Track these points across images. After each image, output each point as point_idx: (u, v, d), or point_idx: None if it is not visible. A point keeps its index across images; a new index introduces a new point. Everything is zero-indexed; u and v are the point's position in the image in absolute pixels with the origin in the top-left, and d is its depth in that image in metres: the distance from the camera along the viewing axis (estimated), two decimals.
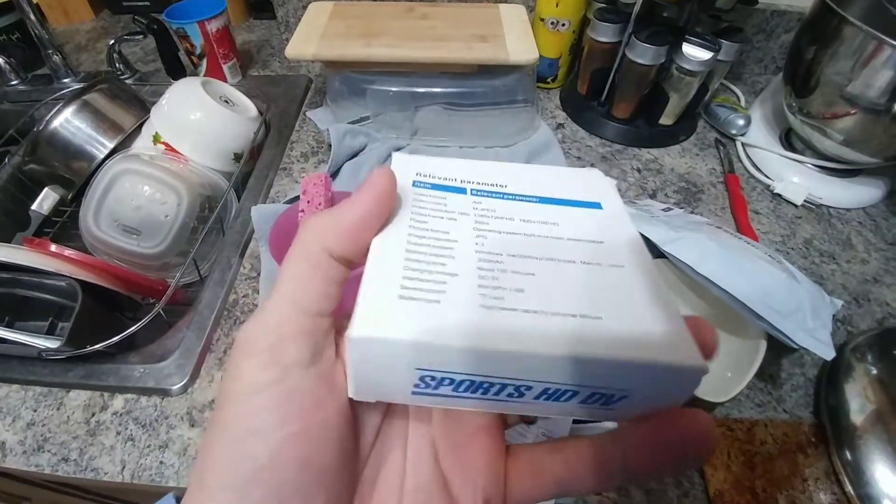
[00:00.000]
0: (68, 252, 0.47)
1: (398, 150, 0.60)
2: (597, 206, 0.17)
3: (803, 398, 0.43)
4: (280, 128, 0.65)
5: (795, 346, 0.37)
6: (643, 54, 0.55)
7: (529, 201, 0.17)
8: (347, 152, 0.58)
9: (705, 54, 0.55)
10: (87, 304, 0.45)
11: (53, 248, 0.47)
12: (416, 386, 0.13)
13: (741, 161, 0.61)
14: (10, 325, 0.50)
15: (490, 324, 0.13)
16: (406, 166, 0.17)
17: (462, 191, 0.17)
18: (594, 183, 0.18)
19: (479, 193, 0.17)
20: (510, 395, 0.13)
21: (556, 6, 0.62)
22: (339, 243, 0.15)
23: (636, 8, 0.56)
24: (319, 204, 0.34)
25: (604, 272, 0.15)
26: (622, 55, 0.58)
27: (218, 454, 0.13)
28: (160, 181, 0.53)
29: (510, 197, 0.17)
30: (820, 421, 0.41)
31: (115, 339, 0.42)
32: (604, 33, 0.59)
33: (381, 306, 0.13)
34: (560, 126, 0.64)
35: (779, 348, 0.43)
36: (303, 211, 0.34)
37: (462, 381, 0.13)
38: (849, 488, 0.38)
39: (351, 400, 0.14)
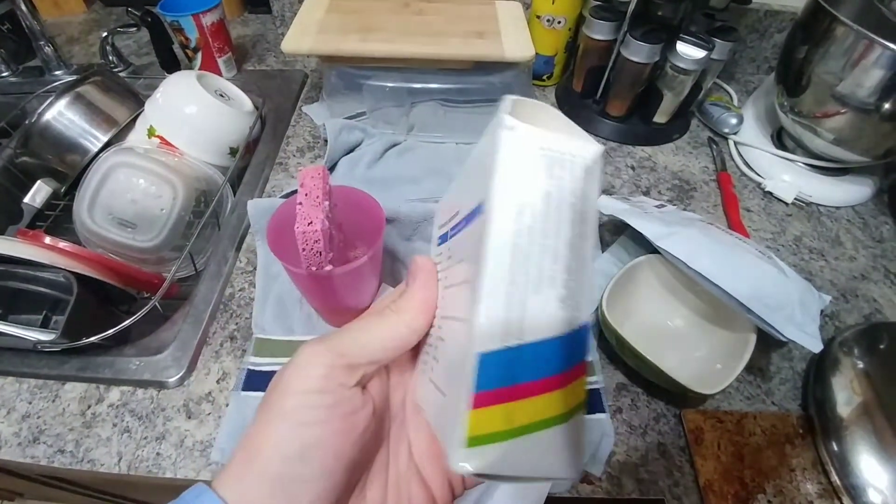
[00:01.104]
0: (63, 244, 0.47)
1: (395, 145, 0.61)
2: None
3: (791, 391, 0.44)
4: (275, 123, 0.65)
5: (784, 340, 0.38)
6: (638, 52, 0.56)
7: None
8: (344, 147, 0.58)
9: (699, 53, 0.55)
10: (83, 297, 0.45)
11: (48, 240, 0.47)
12: None
13: (733, 159, 0.62)
14: (3, 318, 0.50)
15: None
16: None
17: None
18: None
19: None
20: None
21: (553, 3, 0.62)
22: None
23: (631, 6, 0.57)
24: (318, 197, 0.34)
25: None
26: (617, 53, 0.58)
27: (274, 431, 0.17)
28: (155, 174, 0.53)
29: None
30: (808, 413, 0.42)
31: (111, 331, 0.42)
32: (599, 31, 0.59)
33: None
34: None
35: (768, 342, 0.44)
36: (301, 203, 0.34)
37: None
38: (835, 478, 0.39)
39: (373, 414, 0.19)
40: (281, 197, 0.54)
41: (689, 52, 0.56)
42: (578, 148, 0.16)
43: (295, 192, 0.54)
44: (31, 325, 0.49)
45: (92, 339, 0.42)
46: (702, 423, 0.41)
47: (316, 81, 0.71)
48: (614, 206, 0.44)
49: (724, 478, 0.39)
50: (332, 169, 0.57)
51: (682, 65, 0.56)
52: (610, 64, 0.60)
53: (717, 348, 0.42)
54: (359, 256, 0.37)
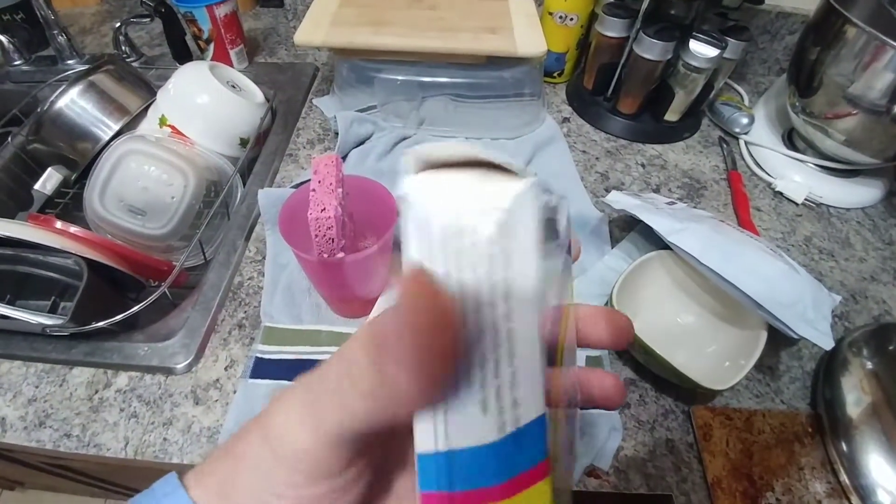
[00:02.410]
0: (73, 229, 0.47)
1: (404, 139, 0.61)
2: None
3: (801, 390, 0.43)
4: (286, 115, 0.65)
5: (795, 337, 0.38)
6: (650, 49, 0.56)
7: None
8: (354, 139, 0.59)
9: (712, 51, 0.55)
10: (92, 283, 0.45)
11: (59, 224, 0.47)
12: None
13: (744, 159, 0.62)
14: (11, 303, 0.50)
15: None
16: None
17: None
18: None
19: None
20: None
21: (565, 0, 0.62)
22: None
23: (644, 4, 0.57)
24: (331, 184, 0.34)
25: None
26: (629, 50, 0.58)
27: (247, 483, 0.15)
28: (167, 163, 0.53)
29: None
30: (817, 412, 0.42)
31: (119, 316, 0.43)
32: (612, 28, 0.59)
33: None
34: (566, 120, 0.64)
35: (778, 341, 0.44)
36: (314, 190, 0.34)
37: None
38: (844, 478, 0.38)
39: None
40: (291, 187, 0.54)
41: (701, 50, 0.56)
42: (492, 196, 0.12)
43: (306, 182, 0.54)
44: (39, 310, 0.49)
45: (100, 323, 0.42)
46: (710, 419, 0.40)
47: (327, 74, 0.71)
48: (625, 202, 0.44)
49: (732, 475, 0.38)
50: (342, 160, 0.57)
51: (694, 63, 0.56)
52: (622, 61, 0.60)
53: (727, 345, 0.42)
54: (369, 246, 0.37)
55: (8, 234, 0.45)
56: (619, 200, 0.44)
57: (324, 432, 0.14)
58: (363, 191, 0.40)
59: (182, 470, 0.17)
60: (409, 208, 0.12)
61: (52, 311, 0.54)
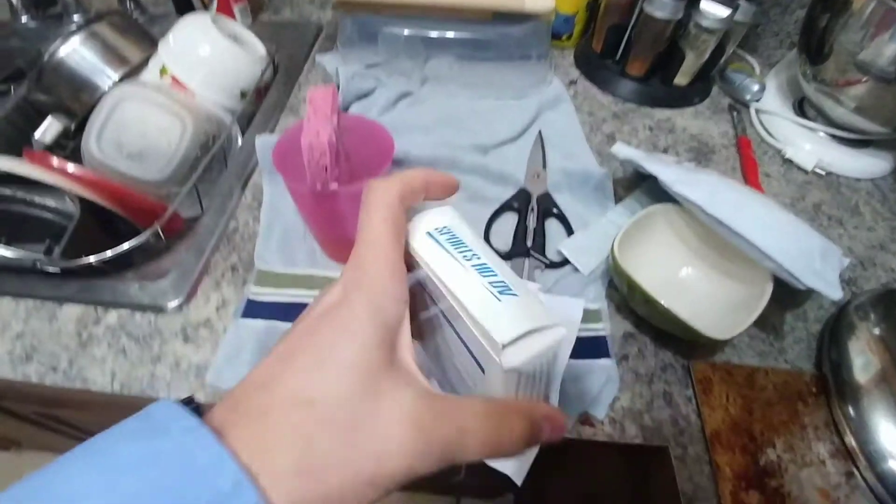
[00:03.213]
0: (70, 167, 0.46)
1: (407, 95, 0.60)
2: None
3: (805, 351, 0.42)
4: (288, 70, 0.64)
5: (803, 287, 0.36)
6: (661, 8, 0.55)
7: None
8: (356, 93, 0.58)
9: (723, 11, 0.54)
10: (86, 220, 0.44)
11: (55, 162, 0.46)
12: None
13: (753, 127, 0.60)
14: (7, 244, 0.50)
15: None
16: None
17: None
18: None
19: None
20: None
21: None
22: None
23: None
24: (326, 113, 0.33)
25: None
26: (639, 10, 0.57)
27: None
28: (165, 109, 0.52)
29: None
30: (822, 373, 0.41)
31: (111, 252, 0.42)
32: None
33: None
34: (573, 83, 0.63)
35: (783, 301, 0.43)
36: (309, 118, 0.33)
37: None
38: (850, 440, 0.37)
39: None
40: None
41: (713, 10, 0.54)
42: (547, 345, 0.18)
43: None
44: (35, 252, 0.49)
45: (91, 259, 0.42)
46: (710, 374, 0.39)
47: (331, 33, 0.70)
48: (630, 152, 0.43)
49: (731, 429, 0.37)
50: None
51: (705, 23, 0.54)
52: (632, 21, 0.58)
53: (730, 300, 0.41)
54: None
55: (4, 168, 0.44)
56: (624, 151, 0.43)
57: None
58: (362, 132, 0.40)
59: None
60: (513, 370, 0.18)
61: (48, 253, 0.54)
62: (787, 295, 0.40)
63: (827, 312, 0.44)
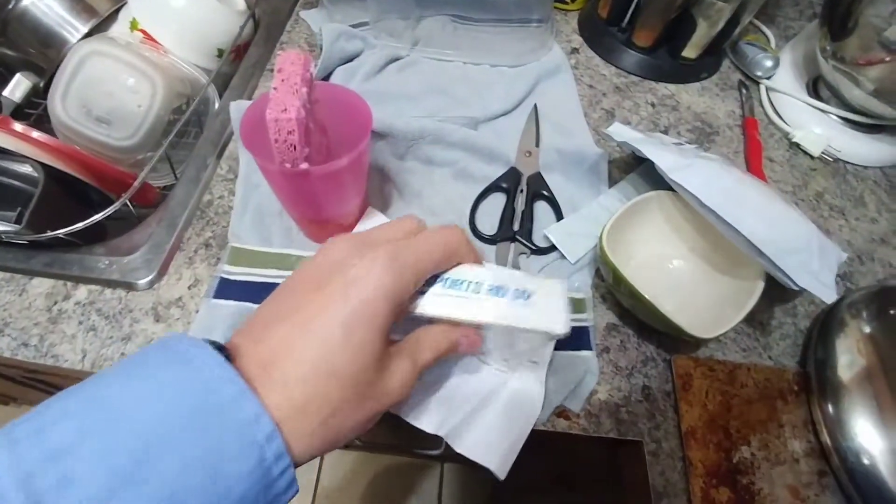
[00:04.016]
0: (34, 133, 0.44)
1: (396, 59, 0.56)
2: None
3: (791, 348, 0.41)
4: (269, 27, 0.60)
5: (796, 288, 0.35)
6: None
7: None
8: (340, 56, 0.54)
9: None
10: (51, 191, 0.42)
11: (18, 127, 0.43)
12: None
13: (762, 106, 0.57)
14: None
15: None
16: None
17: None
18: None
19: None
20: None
21: None
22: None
23: None
24: (295, 84, 0.31)
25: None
26: None
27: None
28: (134, 68, 0.49)
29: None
30: (805, 371, 0.40)
31: (79, 225, 0.40)
32: None
33: None
34: (574, 51, 0.59)
35: (772, 296, 0.42)
36: (275, 89, 0.30)
37: None
38: (825, 439, 0.37)
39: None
40: None
41: None
42: (566, 302, 0.28)
43: None
44: (4, 220, 0.47)
45: (58, 232, 0.40)
46: (692, 369, 0.39)
47: None
48: (627, 134, 0.40)
49: (707, 426, 0.37)
50: (325, 79, 0.53)
51: None
52: None
53: (719, 295, 0.40)
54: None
55: None
56: (621, 132, 0.40)
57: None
58: (339, 102, 0.37)
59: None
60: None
61: (17, 222, 0.52)
62: (777, 290, 0.38)
63: (817, 308, 0.43)
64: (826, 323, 0.41)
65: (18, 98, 0.61)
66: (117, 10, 0.56)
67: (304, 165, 0.31)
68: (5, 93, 0.60)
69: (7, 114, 0.61)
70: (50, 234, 0.39)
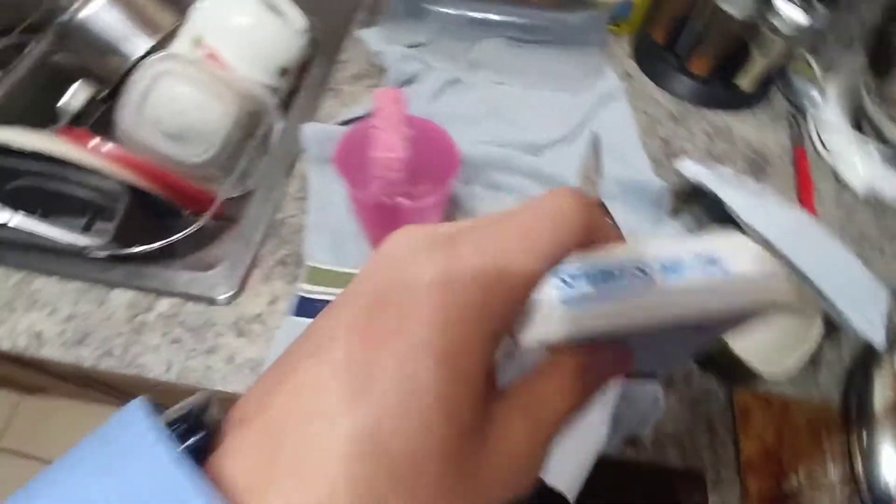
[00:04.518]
0: (110, 148, 0.45)
1: (454, 82, 0.57)
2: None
3: (836, 380, 0.43)
4: (328, 46, 0.61)
5: (852, 331, 0.37)
6: (736, 5, 0.51)
7: None
8: (401, 78, 0.55)
9: (800, 16, 0.50)
10: (133, 205, 0.44)
11: (95, 143, 0.45)
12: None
13: (810, 138, 0.58)
14: (43, 219, 0.49)
15: None
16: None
17: None
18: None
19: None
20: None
21: None
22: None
23: None
24: (397, 123, 0.32)
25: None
26: (711, 4, 0.53)
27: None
28: (205, 86, 0.50)
29: None
30: (847, 403, 0.42)
31: (163, 242, 0.42)
32: None
33: None
34: (628, 76, 0.60)
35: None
36: (378, 127, 0.32)
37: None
38: (858, 467, 0.39)
39: None
40: (338, 123, 0.51)
41: (790, 13, 0.51)
42: None
43: (354, 119, 0.51)
44: (73, 229, 0.48)
45: (145, 247, 0.42)
46: (751, 403, 0.40)
47: (371, 5, 0.66)
48: (700, 172, 0.42)
49: (763, 458, 0.39)
50: None
51: (781, 27, 0.51)
52: (699, 14, 0.55)
53: (778, 330, 0.41)
54: (423, 194, 0.35)
55: (42, 149, 0.43)
56: (692, 170, 0.42)
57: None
58: (424, 134, 0.38)
59: (226, 398, 0.11)
60: None
61: (87, 229, 0.54)
62: (826, 325, 0.40)
63: (861, 343, 0.45)
64: (865, 357, 0.43)
65: (76, 107, 0.62)
66: (177, 27, 0.57)
67: (403, 201, 0.33)
68: (63, 101, 0.61)
69: (64, 122, 0.62)
70: (139, 249, 0.41)
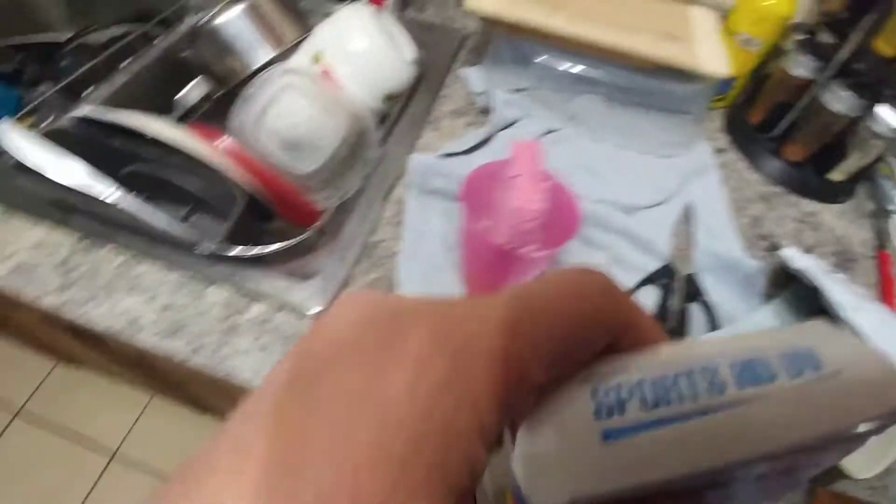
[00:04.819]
0: (238, 151, 0.47)
1: (550, 132, 0.58)
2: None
3: None
4: (430, 80, 0.63)
5: None
6: (839, 102, 0.52)
7: None
8: (502, 121, 0.57)
9: None
10: (247, 208, 0.45)
11: (225, 144, 0.47)
12: None
13: (892, 240, 0.58)
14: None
15: None
16: None
17: None
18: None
19: None
20: None
21: (753, 24, 0.58)
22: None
23: (844, 51, 0.52)
24: (537, 178, 0.33)
25: None
26: (814, 96, 0.54)
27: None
28: (321, 102, 0.52)
29: None
30: None
31: (276, 246, 0.43)
32: (799, 67, 0.55)
33: None
34: (720, 151, 0.61)
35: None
36: (520, 176, 0.33)
37: None
38: None
39: None
40: (441, 156, 0.53)
41: (891, 119, 0.51)
42: None
43: (455, 154, 0.53)
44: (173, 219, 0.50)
45: (257, 250, 0.43)
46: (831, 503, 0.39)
47: (474, 45, 0.69)
48: (802, 262, 0.42)
49: None
50: (484, 142, 0.56)
51: (880, 130, 0.52)
52: (801, 105, 0.56)
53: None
54: (535, 244, 0.35)
55: (176, 141, 0.45)
56: (798, 260, 0.42)
57: None
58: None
59: None
60: None
61: (185, 220, 0.56)
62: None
63: None
64: None
65: (193, 101, 0.65)
66: (298, 42, 0.61)
67: (532, 251, 0.34)
68: (182, 94, 0.65)
69: (178, 114, 0.65)
70: (252, 252, 0.42)
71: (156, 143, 0.46)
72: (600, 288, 0.11)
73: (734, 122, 0.63)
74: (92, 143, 0.48)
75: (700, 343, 0.11)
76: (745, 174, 0.59)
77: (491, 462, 0.10)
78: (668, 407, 0.10)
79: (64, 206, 0.47)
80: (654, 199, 0.53)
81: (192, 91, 0.62)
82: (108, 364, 0.88)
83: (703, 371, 0.10)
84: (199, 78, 0.62)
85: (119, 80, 0.60)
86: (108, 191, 0.44)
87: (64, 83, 0.58)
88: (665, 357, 0.11)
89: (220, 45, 0.60)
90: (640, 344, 0.11)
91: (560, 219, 0.38)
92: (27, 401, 1.02)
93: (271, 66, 0.56)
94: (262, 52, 0.60)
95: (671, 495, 0.10)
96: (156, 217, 0.45)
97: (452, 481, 0.08)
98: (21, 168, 0.47)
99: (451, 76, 0.64)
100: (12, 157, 0.46)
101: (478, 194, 0.36)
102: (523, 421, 0.11)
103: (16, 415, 1.01)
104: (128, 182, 0.48)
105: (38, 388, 1.04)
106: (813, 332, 0.11)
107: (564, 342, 0.10)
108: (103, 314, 0.43)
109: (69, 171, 0.46)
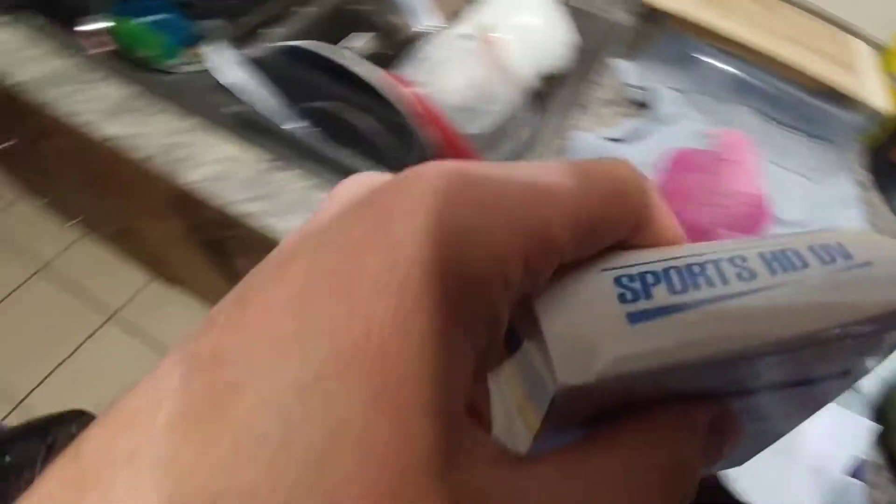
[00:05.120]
0: (428, 101, 0.50)
1: (700, 134, 0.60)
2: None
3: None
4: (582, 66, 0.65)
5: None
6: None
7: None
8: (660, 117, 0.58)
9: None
10: (424, 158, 0.48)
11: (418, 93, 0.50)
12: None
13: None
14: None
15: None
16: None
17: None
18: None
19: None
20: None
21: None
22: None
23: None
24: (751, 166, 0.35)
25: None
26: None
27: None
28: (494, 70, 0.55)
29: None
30: None
31: None
32: None
33: None
34: (860, 185, 0.61)
35: None
36: (739, 163, 0.34)
37: None
38: None
39: None
40: (605, 139, 0.55)
41: None
42: None
43: (617, 140, 0.55)
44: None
45: None
46: None
47: (633, 40, 0.69)
48: None
49: None
50: (641, 134, 0.57)
51: None
52: None
53: None
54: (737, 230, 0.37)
55: (377, 82, 0.48)
56: None
57: None
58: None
59: None
60: None
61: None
62: None
63: None
64: None
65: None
66: (468, 10, 0.63)
67: (722, 230, 0.35)
68: (346, 44, 0.68)
69: None
70: None
71: (349, 83, 0.50)
72: (631, 174, 0.10)
73: (876, 159, 0.62)
74: (287, 74, 0.52)
75: (723, 241, 0.11)
76: (884, 214, 0.59)
77: (499, 376, 0.11)
78: (697, 291, 0.10)
79: (258, 129, 0.51)
80: (798, 218, 0.54)
81: (357, 43, 0.65)
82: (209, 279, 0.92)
83: (731, 259, 0.10)
84: (369, 34, 0.65)
85: (294, 22, 0.63)
86: (295, 121, 0.48)
87: (242, 20, 0.61)
88: (688, 250, 0.11)
89: (391, 4, 0.62)
90: (659, 243, 0.11)
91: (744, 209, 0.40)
92: (122, 307, 1.10)
93: (439, 31, 0.59)
94: (429, 17, 0.62)
95: (695, 397, 0.10)
96: (338, 152, 0.49)
97: (469, 326, 0.08)
98: (221, 88, 0.51)
99: (603, 65, 0.66)
100: (214, 78, 0.51)
101: (677, 177, 0.38)
102: (538, 301, 0.10)
103: (109, 318, 1.08)
104: (312, 116, 0.52)
105: (133, 297, 1.11)
106: (839, 232, 0.11)
107: (596, 216, 0.10)
108: (280, 231, 0.47)
109: (264, 97, 0.50)
